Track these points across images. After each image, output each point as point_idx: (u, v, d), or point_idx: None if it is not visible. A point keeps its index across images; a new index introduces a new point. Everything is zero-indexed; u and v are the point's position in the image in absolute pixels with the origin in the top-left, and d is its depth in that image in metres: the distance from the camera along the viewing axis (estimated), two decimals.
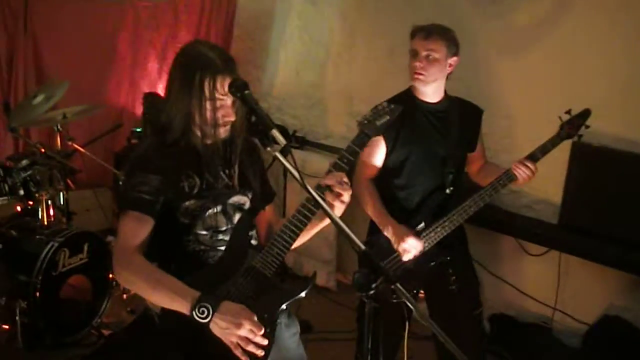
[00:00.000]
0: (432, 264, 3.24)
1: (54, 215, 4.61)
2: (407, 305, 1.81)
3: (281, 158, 1.88)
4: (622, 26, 3.81)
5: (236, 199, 2.39)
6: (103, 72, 6.13)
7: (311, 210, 2.23)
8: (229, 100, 2.23)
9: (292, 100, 5.91)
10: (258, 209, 2.51)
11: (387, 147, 3.27)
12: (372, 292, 1.88)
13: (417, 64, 3.15)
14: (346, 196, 2.20)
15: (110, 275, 4.39)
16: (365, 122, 2.41)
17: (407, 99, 3.24)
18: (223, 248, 2.32)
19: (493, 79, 4.04)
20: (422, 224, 3.22)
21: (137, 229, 2.19)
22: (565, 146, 3.64)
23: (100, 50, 6.12)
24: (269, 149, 1.91)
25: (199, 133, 2.27)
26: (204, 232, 2.30)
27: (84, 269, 4.26)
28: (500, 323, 4.43)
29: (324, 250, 5.33)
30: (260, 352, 2.06)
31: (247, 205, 2.43)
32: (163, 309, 2.16)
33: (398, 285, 1.80)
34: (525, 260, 4.32)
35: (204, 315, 2.01)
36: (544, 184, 4.06)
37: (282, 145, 1.87)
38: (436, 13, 4.44)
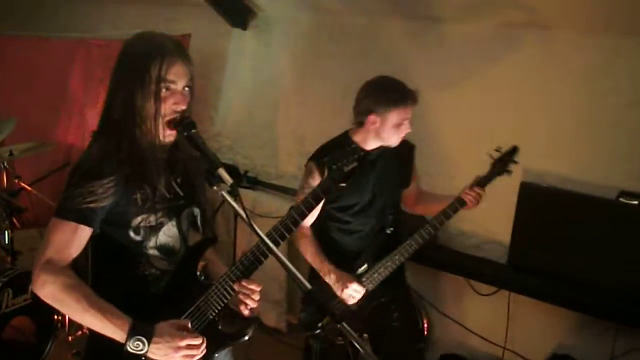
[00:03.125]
0: (375, 304, 3.24)
1: None
2: (353, 346, 1.79)
3: (227, 197, 1.87)
4: (570, 69, 3.90)
5: (188, 210, 2.30)
6: (52, 110, 6.04)
7: (260, 256, 2.21)
8: (180, 84, 2.09)
9: (243, 140, 5.90)
10: (207, 242, 2.38)
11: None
12: (318, 331, 1.87)
13: (407, 130, 3.14)
14: (250, 305, 2.27)
15: (55, 317, 4.29)
16: (335, 167, 2.33)
17: (346, 146, 3.22)
18: (168, 270, 2.22)
19: (429, 115, 4.11)
20: (365, 266, 3.23)
21: (73, 241, 2.03)
22: (514, 186, 3.70)
23: (49, 87, 6.05)
24: (215, 187, 1.89)
25: (146, 134, 2.09)
26: (157, 253, 2.19)
27: (27, 310, 4.14)
28: None
29: (274, 291, 5.28)
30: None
31: (199, 218, 2.34)
32: (91, 338, 2.09)
33: (344, 324, 1.78)
34: (475, 300, 4.33)
35: (139, 349, 1.96)
36: (492, 224, 4.10)
37: (229, 184, 1.85)
38: (391, 59, 4.51)
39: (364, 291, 3.17)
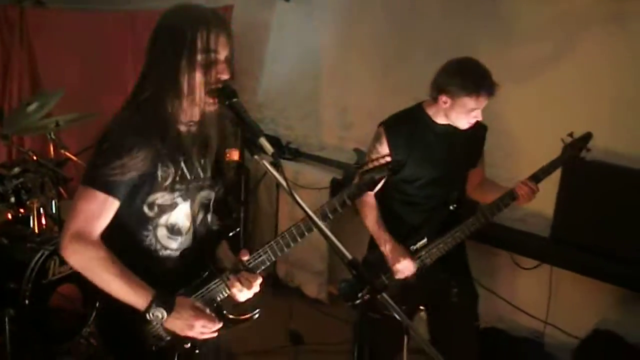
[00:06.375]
0: (434, 278, 3.24)
1: (45, 223, 4.59)
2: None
3: (268, 167, 1.87)
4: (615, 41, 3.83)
5: (204, 193, 2.32)
6: (98, 81, 6.12)
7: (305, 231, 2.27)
8: (222, 54, 2.08)
9: (286, 111, 5.91)
10: (226, 233, 2.44)
11: None
12: (357, 301, 1.87)
13: (478, 118, 3.09)
14: (242, 295, 2.29)
15: None
16: (366, 173, 2.36)
17: (418, 117, 3.22)
18: (174, 249, 2.26)
19: (495, 102, 4.09)
20: (425, 240, 3.22)
21: (101, 212, 2.07)
22: None
23: (95, 60, 6.12)
24: (256, 157, 1.90)
25: (180, 109, 2.12)
26: (165, 231, 2.22)
27: (74, 277, 4.20)
28: (492, 337, 4.40)
29: (316, 262, 5.31)
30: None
31: (212, 201, 2.36)
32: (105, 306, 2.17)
33: (385, 295, 1.78)
34: (517, 274, 4.31)
35: (159, 318, 2.07)
36: (536, 198, 4.06)
37: (271, 154, 1.86)
38: (434, 34, 4.46)
39: (414, 268, 3.18)
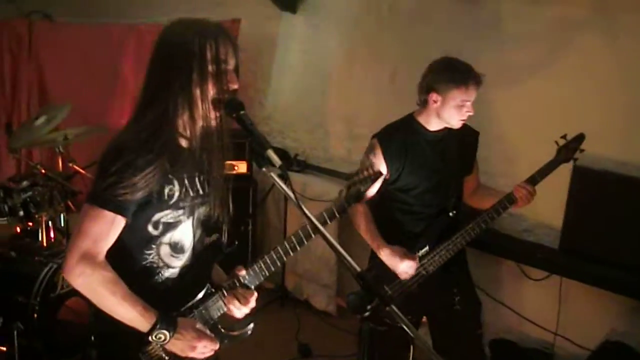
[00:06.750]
0: (436, 286, 3.24)
1: (54, 236, 4.60)
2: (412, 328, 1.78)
3: (276, 179, 1.87)
4: (621, 54, 3.82)
5: (203, 210, 2.29)
6: (105, 95, 6.15)
7: (304, 238, 2.28)
8: (231, 64, 2.07)
9: (293, 124, 5.92)
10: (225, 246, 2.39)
11: (390, 176, 3.26)
12: (366, 313, 1.86)
13: (470, 112, 3.13)
14: (240, 312, 2.31)
15: None
16: (352, 186, 2.35)
17: (410, 127, 3.27)
18: (176, 267, 2.25)
19: (489, 106, 4.07)
20: (426, 248, 3.23)
21: (109, 232, 2.02)
22: (566, 170, 3.63)
23: (102, 73, 6.16)
24: (264, 169, 1.90)
25: (190, 124, 2.09)
26: (167, 249, 2.19)
27: None
28: (501, 348, 4.39)
29: (324, 274, 5.30)
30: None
31: (211, 218, 2.33)
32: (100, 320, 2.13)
33: (393, 307, 1.77)
34: (525, 285, 4.29)
35: (161, 340, 2.06)
36: (544, 208, 4.04)
37: (278, 166, 1.86)
38: (434, 41, 4.47)
39: (417, 265, 3.18)
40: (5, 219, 4.23)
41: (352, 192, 2.36)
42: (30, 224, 4.50)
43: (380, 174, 2.39)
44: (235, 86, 2.07)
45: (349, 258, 1.80)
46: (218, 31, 2.07)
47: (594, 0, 3.84)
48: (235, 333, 2.37)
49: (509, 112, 4.31)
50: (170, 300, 2.20)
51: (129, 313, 2.02)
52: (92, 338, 2.32)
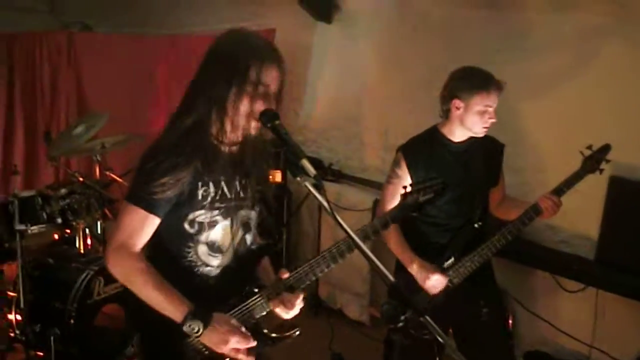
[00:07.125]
0: (463, 298, 3.22)
1: (91, 244, 4.67)
2: (438, 341, 1.78)
3: (311, 188, 1.89)
4: None
5: (244, 212, 2.36)
6: (142, 104, 6.24)
7: (345, 251, 2.32)
8: (272, 88, 2.15)
9: (328, 133, 5.93)
10: (268, 248, 2.50)
11: None
12: (400, 324, 1.86)
13: (492, 119, 3.12)
14: (289, 314, 2.35)
15: None
16: (409, 195, 2.41)
17: (434, 138, 3.27)
18: (215, 266, 2.31)
19: (522, 117, 4.05)
20: (452, 259, 3.21)
21: (142, 228, 2.16)
22: (602, 181, 3.61)
23: (139, 82, 6.24)
24: (298, 178, 1.92)
25: (224, 132, 2.19)
26: (205, 248, 2.27)
27: (118, 298, 4.28)
28: None
29: (357, 284, 5.30)
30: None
31: (253, 221, 2.41)
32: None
33: (427, 318, 1.77)
34: (561, 297, 4.25)
35: (194, 331, 2.09)
36: (580, 220, 4.01)
37: (313, 175, 1.87)
38: (467, 52, 4.47)
39: (446, 281, 3.16)
40: (43, 226, 4.29)
41: (409, 202, 2.39)
42: (68, 231, 4.57)
43: (446, 185, 2.42)
44: (266, 108, 2.12)
45: (383, 268, 1.81)
46: (267, 53, 2.14)
47: (619, 8, 3.80)
48: (281, 336, 2.38)
49: (540, 122, 4.29)
50: (211, 298, 2.24)
51: (161, 300, 2.11)
52: (136, 327, 2.37)
